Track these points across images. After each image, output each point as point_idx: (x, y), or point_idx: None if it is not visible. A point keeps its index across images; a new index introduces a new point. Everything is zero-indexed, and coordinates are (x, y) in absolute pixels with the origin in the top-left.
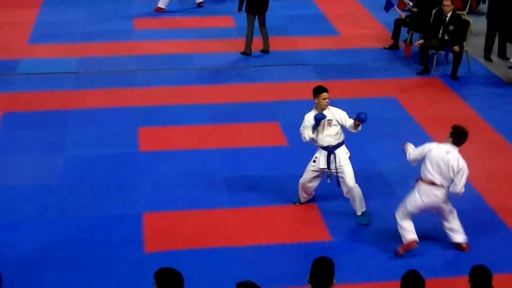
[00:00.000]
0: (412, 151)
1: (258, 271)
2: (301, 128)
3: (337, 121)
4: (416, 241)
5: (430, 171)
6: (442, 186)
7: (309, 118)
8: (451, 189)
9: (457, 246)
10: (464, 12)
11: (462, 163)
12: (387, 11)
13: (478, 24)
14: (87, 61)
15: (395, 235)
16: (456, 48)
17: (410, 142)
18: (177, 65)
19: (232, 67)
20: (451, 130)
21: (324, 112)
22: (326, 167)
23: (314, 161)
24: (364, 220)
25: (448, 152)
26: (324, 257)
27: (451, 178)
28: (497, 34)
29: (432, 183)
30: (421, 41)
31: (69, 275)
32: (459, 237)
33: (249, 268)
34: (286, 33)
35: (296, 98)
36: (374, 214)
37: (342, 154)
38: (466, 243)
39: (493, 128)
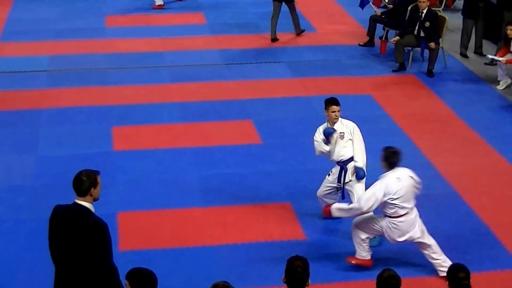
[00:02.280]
0: (364, 205)
1: (232, 270)
2: (314, 138)
3: (350, 134)
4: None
5: (400, 205)
6: (412, 208)
7: (321, 130)
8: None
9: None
10: (440, 9)
11: (415, 176)
12: (363, 8)
13: (454, 21)
14: (58, 59)
15: None
16: (432, 44)
17: (386, 140)
18: (149, 63)
19: (204, 64)
20: (382, 153)
21: (336, 125)
22: (337, 183)
23: (329, 175)
24: (374, 242)
25: (399, 178)
26: (299, 256)
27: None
28: (473, 30)
29: (406, 214)
30: (397, 38)
31: (41, 276)
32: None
33: (223, 268)
34: (259, 30)
35: (270, 96)
36: None
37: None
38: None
39: (468, 125)
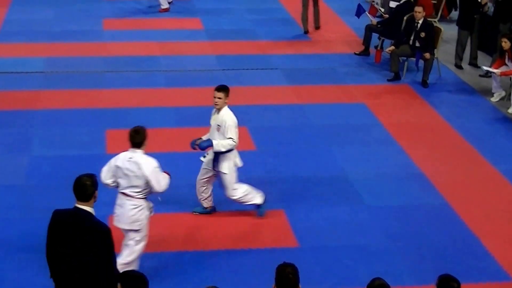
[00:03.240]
0: (104, 173)
1: (223, 276)
2: None
3: (224, 129)
4: None
5: (121, 183)
6: (132, 196)
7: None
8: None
9: None
10: (436, 19)
11: (145, 161)
12: (359, 17)
13: (450, 32)
14: (54, 61)
15: (361, 240)
16: (427, 55)
17: (378, 149)
18: (144, 67)
19: (200, 70)
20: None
21: (220, 115)
22: (210, 166)
23: (204, 156)
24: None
25: (131, 158)
26: (288, 263)
27: (143, 183)
28: (468, 42)
29: (124, 194)
30: (392, 47)
31: (33, 276)
32: None
33: (214, 273)
34: (255, 37)
35: (265, 102)
36: (340, 220)
37: (224, 162)
38: None
39: (461, 136)
